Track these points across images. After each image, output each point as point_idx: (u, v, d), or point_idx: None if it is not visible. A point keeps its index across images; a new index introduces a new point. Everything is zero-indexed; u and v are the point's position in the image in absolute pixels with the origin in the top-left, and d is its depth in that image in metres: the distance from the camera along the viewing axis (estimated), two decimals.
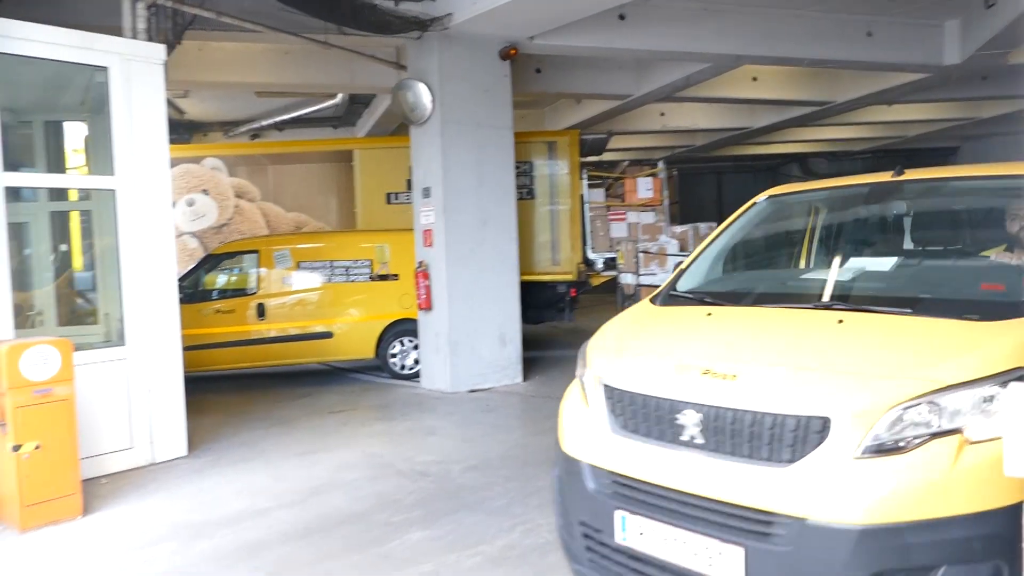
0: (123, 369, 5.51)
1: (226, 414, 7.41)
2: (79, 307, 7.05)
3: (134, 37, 5.67)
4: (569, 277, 10.61)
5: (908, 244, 3.75)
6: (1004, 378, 2.29)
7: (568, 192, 10.88)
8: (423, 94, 7.92)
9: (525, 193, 10.62)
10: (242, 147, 14.00)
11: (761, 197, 3.96)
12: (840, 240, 3.85)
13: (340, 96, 13.06)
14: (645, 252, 11.57)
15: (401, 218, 9.75)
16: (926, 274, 3.41)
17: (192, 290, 8.82)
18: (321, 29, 7.29)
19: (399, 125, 11.91)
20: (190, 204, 11.99)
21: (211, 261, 9.46)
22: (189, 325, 6.57)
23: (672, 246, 11.61)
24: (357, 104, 14.07)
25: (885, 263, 3.52)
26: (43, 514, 4.48)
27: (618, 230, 12.62)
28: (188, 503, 4.87)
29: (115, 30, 5.65)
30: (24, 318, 5.83)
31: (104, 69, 5.37)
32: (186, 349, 6.05)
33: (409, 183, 9.10)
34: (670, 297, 3.55)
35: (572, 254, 10.72)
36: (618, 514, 2.75)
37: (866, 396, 2.41)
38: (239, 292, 9.13)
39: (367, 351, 9.15)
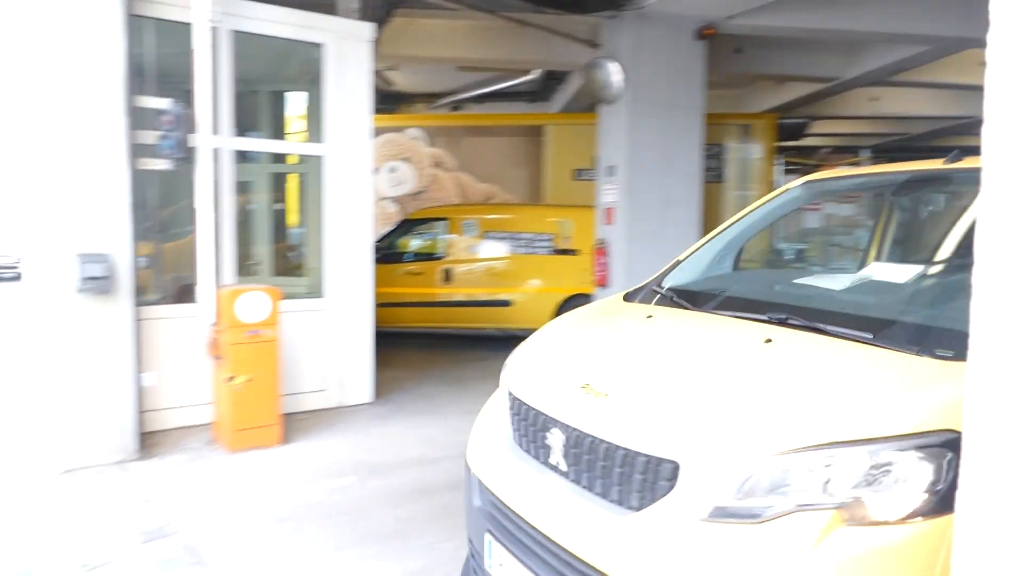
0: (322, 319, 6.10)
1: (409, 369, 7.96)
2: (290, 260, 7.84)
3: (347, 16, 6.17)
4: (755, 266, 10.31)
5: (943, 248, 3.12)
6: (915, 441, 1.72)
7: (760, 177, 10.54)
8: (614, 73, 7.96)
9: (713, 176, 10.41)
10: (441, 119, 14.71)
11: (797, 182, 3.44)
12: (867, 239, 3.32)
13: (536, 72, 13.35)
14: (835, 246, 10.96)
15: (587, 194, 9.89)
16: (933, 290, 2.74)
17: (387, 251, 9.47)
18: (519, 7, 7.52)
19: (591, 102, 12.01)
20: (392, 171, 12.82)
21: (406, 226, 10.10)
22: (382, 284, 7.11)
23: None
24: (553, 80, 14.29)
25: (901, 271, 2.96)
26: (249, 439, 5.10)
27: (812, 221, 12.02)
28: (369, 444, 5.36)
29: (330, 8, 6.16)
30: (244, 267, 6.59)
31: (319, 46, 5.90)
32: (378, 305, 6.58)
33: (595, 160, 9.20)
34: (650, 292, 3.11)
35: (759, 242, 10.40)
36: (487, 538, 2.50)
37: (726, 442, 1.88)
38: (429, 256, 9.69)
39: (543, 322, 9.36)
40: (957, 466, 1.66)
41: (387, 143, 12.66)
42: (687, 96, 8.21)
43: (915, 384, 1.87)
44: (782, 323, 2.38)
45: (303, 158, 6.97)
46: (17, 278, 4.49)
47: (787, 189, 3.44)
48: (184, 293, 5.95)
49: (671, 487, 1.91)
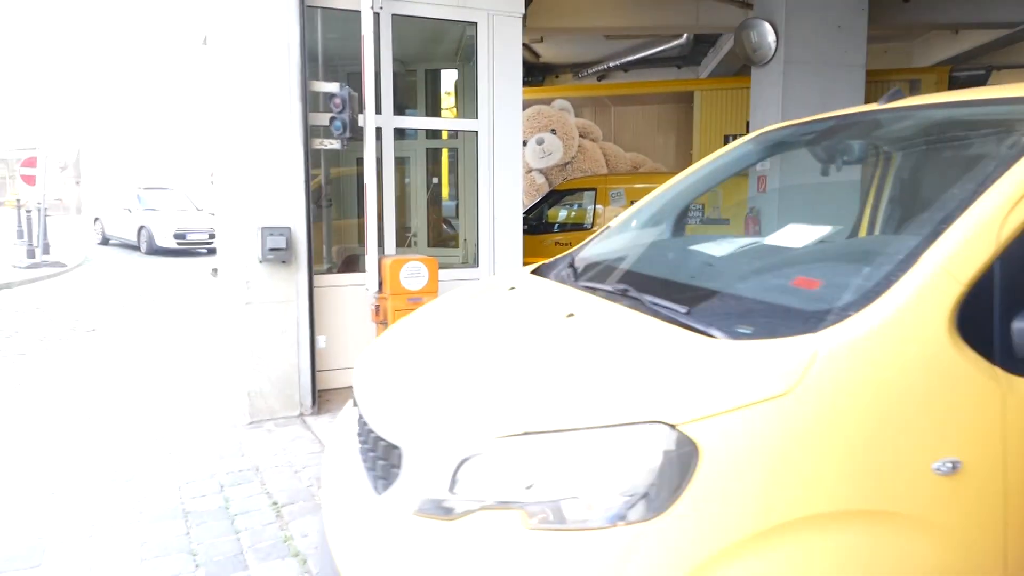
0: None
1: None
2: (444, 232, 8.20)
3: None
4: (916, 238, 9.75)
5: (844, 208, 2.79)
6: (617, 434, 1.49)
7: None
8: (767, 34, 7.72)
9: None
10: (587, 89, 14.72)
11: (752, 135, 3.03)
12: (790, 201, 2.95)
13: (685, 36, 13.07)
14: None
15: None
16: (795, 259, 2.32)
17: (536, 222, 9.67)
18: None
19: (742, 65, 11.65)
20: (539, 143, 13.00)
21: (553, 197, 10.26)
22: (530, 254, 7.31)
23: None
24: (702, 43, 13.95)
25: (805, 235, 2.54)
26: None
27: None
28: None
29: None
30: (403, 238, 6.98)
31: (474, 24, 6.12)
32: None
33: (748, 125, 8.96)
34: (558, 264, 2.87)
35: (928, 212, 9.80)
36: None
37: (437, 429, 1.74)
38: (577, 226, 9.81)
39: None
40: (666, 465, 1.44)
41: (535, 115, 12.85)
42: (847, 53, 7.83)
43: (658, 369, 1.63)
44: (623, 295, 2.13)
45: (456, 133, 7.26)
46: (212, 252, 5.02)
47: (737, 144, 3.06)
48: (348, 263, 6.41)
49: (397, 475, 1.78)
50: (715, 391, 1.49)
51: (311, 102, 5.32)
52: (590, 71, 15.56)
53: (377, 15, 5.55)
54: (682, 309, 1.86)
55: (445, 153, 8.21)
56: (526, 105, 10.61)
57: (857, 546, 1.48)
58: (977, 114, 2.26)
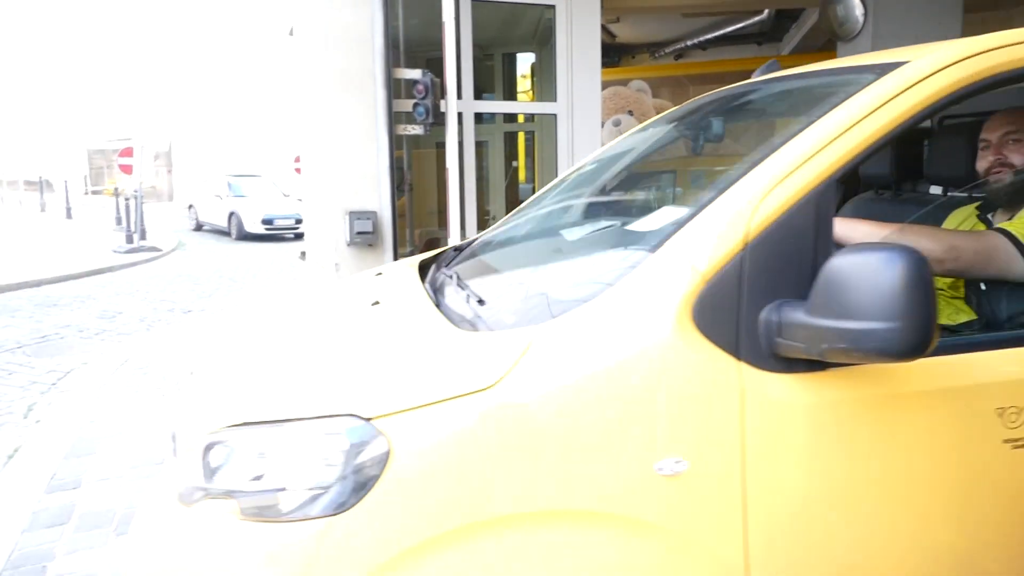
0: None
1: None
2: None
3: None
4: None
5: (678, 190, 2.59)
6: (310, 427, 1.46)
7: None
8: (854, 7, 7.48)
9: None
10: (664, 68, 14.52)
11: (663, 113, 2.93)
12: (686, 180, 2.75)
13: (766, 12, 12.73)
14: None
15: None
16: (609, 245, 2.22)
17: None
18: None
19: (827, 41, 11.29)
20: (616, 124, 12.91)
21: (632, 179, 10.21)
22: None
23: None
24: (784, 19, 13.55)
25: (660, 218, 2.21)
26: None
27: None
28: None
29: None
30: (483, 221, 7.09)
31: (552, 7, 6.14)
32: None
33: None
34: (453, 249, 2.76)
35: None
36: None
37: (194, 419, 1.72)
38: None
39: None
40: (356, 459, 1.40)
41: (611, 96, 12.77)
42: (939, 25, 7.50)
43: (380, 362, 1.62)
44: (456, 282, 2.08)
45: (533, 116, 7.31)
46: (299, 237, 5.25)
47: (652, 122, 2.99)
48: (430, 245, 6.57)
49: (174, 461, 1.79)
50: (416, 385, 1.46)
51: (394, 88, 5.47)
52: (667, 50, 15.30)
53: (457, 1, 5.64)
54: (478, 299, 1.83)
55: (522, 136, 8.27)
56: (603, 86, 10.57)
57: (566, 547, 1.41)
58: (811, 86, 2.10)
